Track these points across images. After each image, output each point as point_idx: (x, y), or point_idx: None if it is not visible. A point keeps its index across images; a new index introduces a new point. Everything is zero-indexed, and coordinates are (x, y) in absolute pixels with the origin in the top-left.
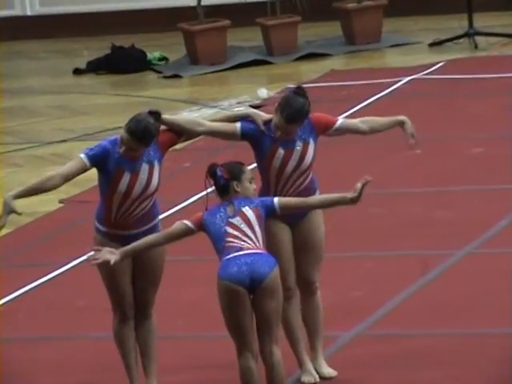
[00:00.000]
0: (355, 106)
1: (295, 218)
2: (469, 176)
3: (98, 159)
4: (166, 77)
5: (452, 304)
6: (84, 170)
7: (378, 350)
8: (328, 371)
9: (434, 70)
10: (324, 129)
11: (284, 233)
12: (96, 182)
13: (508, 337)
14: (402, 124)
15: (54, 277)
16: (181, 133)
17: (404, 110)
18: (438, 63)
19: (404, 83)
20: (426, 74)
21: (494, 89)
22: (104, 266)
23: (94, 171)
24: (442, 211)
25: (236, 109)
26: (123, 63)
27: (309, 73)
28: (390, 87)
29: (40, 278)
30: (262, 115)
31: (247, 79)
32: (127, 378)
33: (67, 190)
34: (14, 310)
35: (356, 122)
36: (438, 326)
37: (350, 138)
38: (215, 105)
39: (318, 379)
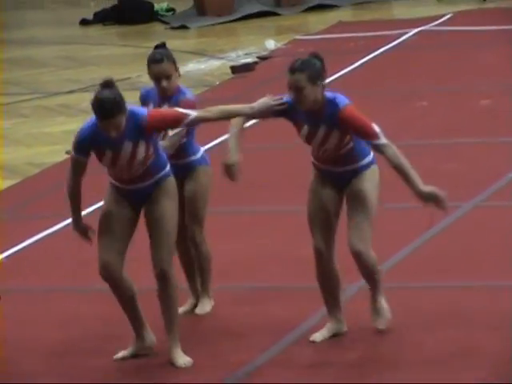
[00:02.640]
0: (362, 57)
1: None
2: (477, 128)
3: (85, 148)
4: (173, 28)
5: (459, 257)
6: (84, 164)
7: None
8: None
9: (441, 22)
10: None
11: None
12: None
13: None
14: None
15: (60, 228)
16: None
17: (411, 61)
18: (445, 15)
19: (412, 35)
20: (434, 26)
21: (501, 41)
22: None
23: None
24: (449, 163)
25: (243, 60)
26: (130, 14)
27: (316, 24)
28: (397, 39)
29: (46, 229)
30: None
31: (255, 31)
32: (131, 331)
33: None
34: (19, 262)
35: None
36: (445, 279)
37: (356, 90)
38: (222, 56)
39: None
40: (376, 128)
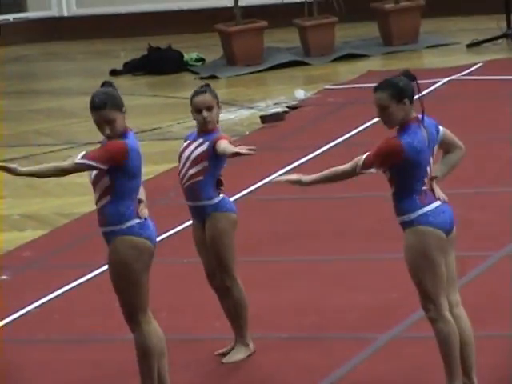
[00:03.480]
0: None
1: None
2: (507, 177)
3: None
4: (202, 78)
5: (490, 306)
6: None
7: (414, 352)
8: None
9: (472, 71)
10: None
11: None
12: None
13: None
14: None
15: (90, 278)
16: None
17: (442, 111)
18: (476, 64)
19: (442, 84)
20: (464, 75)
21: None
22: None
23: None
24: (479, 212)
25: (272, 110)
26: (160, 64)
27: (346, 74)
28: (427, 88)
29: (77, 279)
30: None
31: (284, 80)
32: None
33: None
34: (50, 312)
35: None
36: (476, 329)
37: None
38: (252, 106)
39: None
40: (364, 157)
